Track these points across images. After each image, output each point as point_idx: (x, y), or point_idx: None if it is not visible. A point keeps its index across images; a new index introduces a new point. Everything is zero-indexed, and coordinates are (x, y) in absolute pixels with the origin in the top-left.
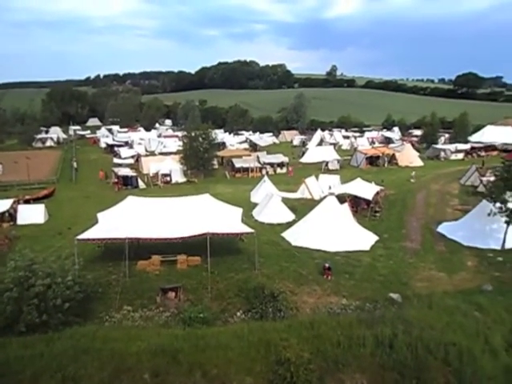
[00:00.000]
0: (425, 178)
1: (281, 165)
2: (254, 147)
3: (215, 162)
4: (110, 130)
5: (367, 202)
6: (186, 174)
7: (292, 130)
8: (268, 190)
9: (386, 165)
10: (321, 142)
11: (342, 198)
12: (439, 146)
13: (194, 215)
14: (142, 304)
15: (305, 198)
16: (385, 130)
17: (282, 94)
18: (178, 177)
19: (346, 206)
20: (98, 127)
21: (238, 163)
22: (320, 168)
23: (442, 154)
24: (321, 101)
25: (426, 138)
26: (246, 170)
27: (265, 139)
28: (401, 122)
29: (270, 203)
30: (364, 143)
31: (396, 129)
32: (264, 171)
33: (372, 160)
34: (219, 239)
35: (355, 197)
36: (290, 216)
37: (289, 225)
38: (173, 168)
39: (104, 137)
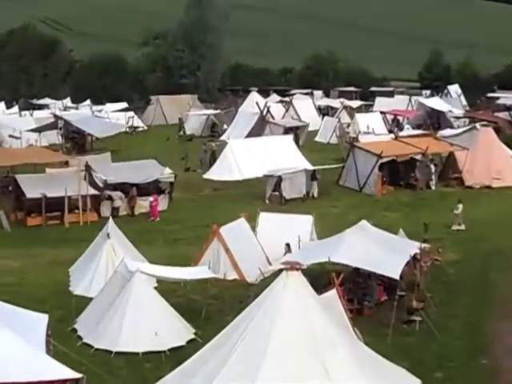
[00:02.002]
0: None
1: (155, 189)
2: (77, 142)
3: None
4: None
5: (388, 284)
6: None
7: (183, 93)
8: (122, 265)
9: (432, 184)
10: (262, 125)
11: (322, 276)
12: None
13: None
14: None
15: (222, 281)
16: (426, 91)
17: None
18: None
19: (333, 296)
20: None
21: (31, 188)
22: (262, 196)
23: None
24: (257, 14)
25: None
26: (55, 206)
27: (109, 121)
28: (465, 72)
29: (126, 299)
30: (375, 126)
31: (454, 89)
32: (106, 207)
33: (396, 171)
34: None
35: (357, 272)
36: (182, 332)
37: (182, 355)
38: None
39: None
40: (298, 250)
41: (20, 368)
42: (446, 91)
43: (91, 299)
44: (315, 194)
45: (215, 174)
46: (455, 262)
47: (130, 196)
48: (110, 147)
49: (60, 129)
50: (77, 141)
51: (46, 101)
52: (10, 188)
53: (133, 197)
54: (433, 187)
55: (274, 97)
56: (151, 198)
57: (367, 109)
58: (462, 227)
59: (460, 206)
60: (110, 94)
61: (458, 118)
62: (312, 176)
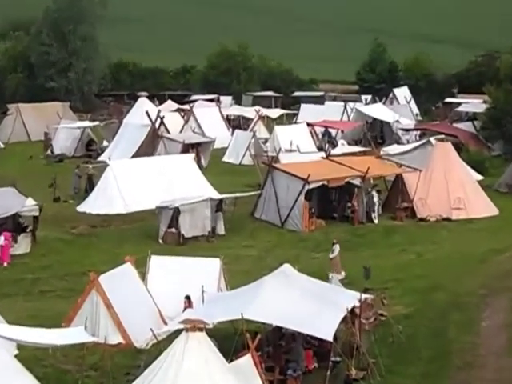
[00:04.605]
0: (505, 258)
1: (14, 226)
2: None
3: None
4: None
5: (319, 347)
6: None
7: (50, 100)
8: None
9: (375, 216)
10: (153, 141)
11: (233, 338)
12: None
13: None
14: None
15: (102, 346)
16: (366, 96)
17: None
18: None
19: (248, 363)
20: None
21: None
22: (153, 234)
23: None
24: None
25: (500, 124)
26: None
27: None
28: (416, 71)
29: None
30: (300, 141)
31: (402, 93)
32: None
33: (328, 201)
34: None
35: (279, 333)
36: None
37: None
38: None
39: None
40: (201, 305)
41: None
42: (391, 96)
43: None
44: (221, 231)
45: (93, 205)
46: (405, 318)
47: None
48: None
49: None
50: None
51: None
52: None
53: None
54: (375, 220)
55: (170, 104)
56: (2, 238)
57: (290, 119)
58: (340, 277)
59: (336, 247)
60: None
61: (407, 130)
62: (218, 207)
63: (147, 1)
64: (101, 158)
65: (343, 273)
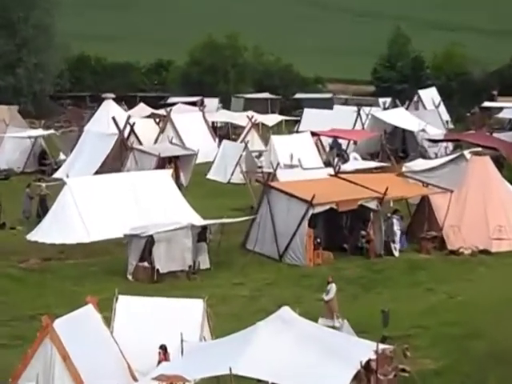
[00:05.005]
0: None
1: None
2: None
3: None
4: None
5: None
6: None
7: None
8: None
9: (396, 248)
10: (122, 154)
11: None
12: None
13: None
14: None
15: None
16: (384, 99)
17: None
18: None
19: None
20: None
21: None
22: (121, 268)
23: None
24: None
25: None
26: None
27: None
28: (447, 68)
29: None
30: (302, 155)
31: (430, 94)
32: None
33: (338, 228)
34: None
35: None
36: None
37: None
38: None
39: None
40: (180, 357)
41: None
42: (416, 99)
43: None
44: (205, 265)
45: (46, 233)
46: (434, 374)
47: None
48: None
49: None
50: None
51: None
52: None
53: None
54: (396, 253)
55: (142, 108)
56: None
57: (290, 128)
58: (337, 324)
59: (332, 287)
60: None
61: (435, 141)
62: (201, 236)
63: None
64: (56, 175)
65: (337, 321)
